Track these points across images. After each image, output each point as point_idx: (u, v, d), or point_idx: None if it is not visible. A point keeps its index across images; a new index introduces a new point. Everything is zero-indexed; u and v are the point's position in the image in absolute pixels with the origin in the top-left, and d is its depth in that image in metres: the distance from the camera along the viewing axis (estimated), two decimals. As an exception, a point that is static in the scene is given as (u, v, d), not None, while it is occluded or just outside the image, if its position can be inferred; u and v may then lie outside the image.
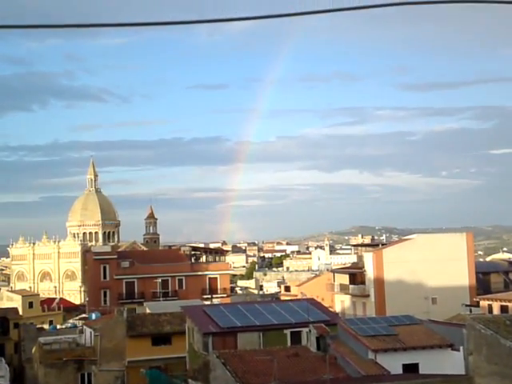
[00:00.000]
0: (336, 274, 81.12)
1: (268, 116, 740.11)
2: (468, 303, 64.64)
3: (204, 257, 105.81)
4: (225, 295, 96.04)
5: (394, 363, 37.96)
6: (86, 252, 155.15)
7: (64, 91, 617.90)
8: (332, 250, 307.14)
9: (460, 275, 71.02)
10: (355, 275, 75.18)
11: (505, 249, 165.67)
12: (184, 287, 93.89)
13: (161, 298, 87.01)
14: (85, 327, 62.46)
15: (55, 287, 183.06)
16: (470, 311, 57.68)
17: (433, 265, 69.84)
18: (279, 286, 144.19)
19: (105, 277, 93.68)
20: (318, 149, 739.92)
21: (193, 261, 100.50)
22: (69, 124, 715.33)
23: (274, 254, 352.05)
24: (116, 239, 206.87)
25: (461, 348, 35.27)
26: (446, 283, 69.03)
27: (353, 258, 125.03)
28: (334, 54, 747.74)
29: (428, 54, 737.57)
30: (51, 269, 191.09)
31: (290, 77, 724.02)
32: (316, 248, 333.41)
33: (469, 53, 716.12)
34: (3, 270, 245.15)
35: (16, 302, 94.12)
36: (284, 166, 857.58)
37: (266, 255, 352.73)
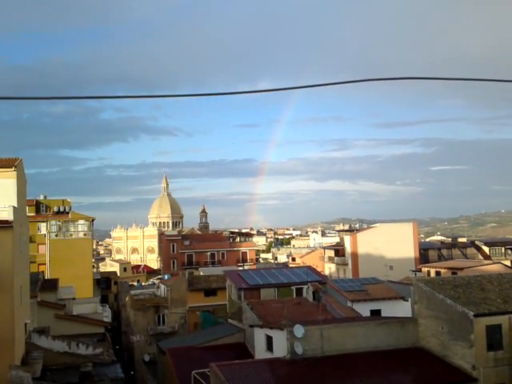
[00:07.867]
0: (325, 250, 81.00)
1: (283, 144, 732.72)
2: (414, 269, 64.09)
3: (238, 238, 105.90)
4: (252, 264, 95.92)
5: (364, 309, 37.86)
6: (161, 235, 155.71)
7: (150, 129, 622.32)
8: (323, 234, 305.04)
9: (408, 251, 70.48)
10: (338, 250, 75.01)
11: (438, 233, 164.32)
12: (225, 258, 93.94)
13: (210, 265, 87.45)
14: (160, 284, 62.67)
15: (141, 258, 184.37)
16: (415, 275, 57.21)
17: (390, 244, 69.42)
18: (288, 258, 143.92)
19: (173, 251, 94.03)
20: (315, 166, 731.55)
21: (231, 241, 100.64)
22: (152, 150, 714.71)
23: (285, 236, 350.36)
24: (181, 226, 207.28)
25: (409, 299, 35.00)
26: (399, 256, 68.58)
27: (337, 240, 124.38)
28: (330, 103, 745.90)
29: (392, 104, 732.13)
30: (138, 246, 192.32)
31: (299, 119, 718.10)
32: (312, 233, 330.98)
33: (416, 103, 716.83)
34: (107, 246, 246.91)
35: (115, 268, 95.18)
36: (292, 178, 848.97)
37: (280, 237, 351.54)
